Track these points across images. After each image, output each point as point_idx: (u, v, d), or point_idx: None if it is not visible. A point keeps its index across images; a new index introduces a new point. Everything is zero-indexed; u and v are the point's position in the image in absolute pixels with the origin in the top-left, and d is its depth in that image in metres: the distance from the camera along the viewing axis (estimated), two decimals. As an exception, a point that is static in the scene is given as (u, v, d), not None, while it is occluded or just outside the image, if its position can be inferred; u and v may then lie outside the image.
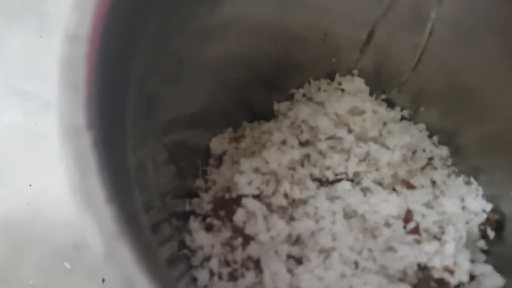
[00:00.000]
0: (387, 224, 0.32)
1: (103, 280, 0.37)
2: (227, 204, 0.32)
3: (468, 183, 0.35)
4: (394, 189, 0.33)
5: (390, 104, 0.38)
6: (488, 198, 0.34)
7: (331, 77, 0.38)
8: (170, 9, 0.24)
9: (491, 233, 0.33)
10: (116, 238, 0.15)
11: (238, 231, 0.31)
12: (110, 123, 0.18)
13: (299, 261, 0.31)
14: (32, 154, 0.41)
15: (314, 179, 0.33)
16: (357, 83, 0.37)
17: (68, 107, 0.16)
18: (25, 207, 0.40)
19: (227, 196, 0.32)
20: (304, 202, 0.32)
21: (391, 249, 0.30)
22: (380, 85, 0.37)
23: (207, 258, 0.31)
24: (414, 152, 0.35)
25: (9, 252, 0.38)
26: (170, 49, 0.26)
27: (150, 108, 0.26)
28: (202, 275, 0.31)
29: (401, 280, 0.31)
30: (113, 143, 0.18)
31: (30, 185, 0.40)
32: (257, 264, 0.30)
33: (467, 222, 0.33)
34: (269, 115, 0.38)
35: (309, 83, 0.38)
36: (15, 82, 0.44)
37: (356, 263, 0.30)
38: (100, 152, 0.16)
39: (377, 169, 0.34)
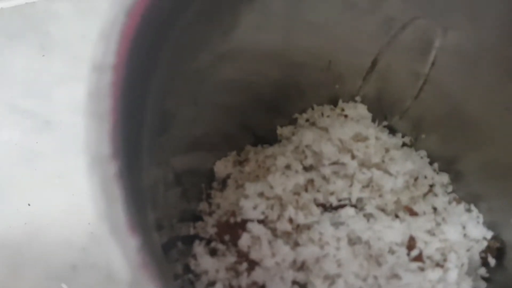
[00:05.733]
0: (391, 251, 0.32)
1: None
2: (232, 228, 0.32)
3: (468, 210, 0.36)
4: (397, 216, 0.34)
5: (392, 131, 0.38)
6: (489, 225, 0.35)
7: (334, 103, 0.38)
8: (185, 37, 0.24)
9: (492, 261, 0.34)
10: (141, 268, 0.15)
11: (243, 256, 0.31)
12: (133, 151, 0.18)
13: (304, 287, 0.31)
14: (31, 173, 0.41)
15: (318, 204, 0.33)
16: (360, 110, 0.37)
17: (95, 136, 0.16)
18: (23, 227, 0.39)
19: (231, 220, 0.32)
20: (308, 227, 0.32)
21: (395, 276, 0.30)
22: (382, 112, 0.38)
23: (212, 283, 0.31)
24: (416, 179, 0.36)
25: (6, 272, 0.38)
26: (183, 75, 0.26)
27: (161, 130, 0.26)
28: (207, 301, 0.31)
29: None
30: (135, 170, 0.18)
31: (29, 204, 0.40)
32: (262, 290, 0.30)
33: (468, 250, 0.33)
34: (271, 139, 0.38)
35: (312, 108, 0.38)
36: (15, 101, 0.43)
37: (361, 290, 0.30)
38: (125, 181, 0.16)
39: (380, 195, 0.34)
